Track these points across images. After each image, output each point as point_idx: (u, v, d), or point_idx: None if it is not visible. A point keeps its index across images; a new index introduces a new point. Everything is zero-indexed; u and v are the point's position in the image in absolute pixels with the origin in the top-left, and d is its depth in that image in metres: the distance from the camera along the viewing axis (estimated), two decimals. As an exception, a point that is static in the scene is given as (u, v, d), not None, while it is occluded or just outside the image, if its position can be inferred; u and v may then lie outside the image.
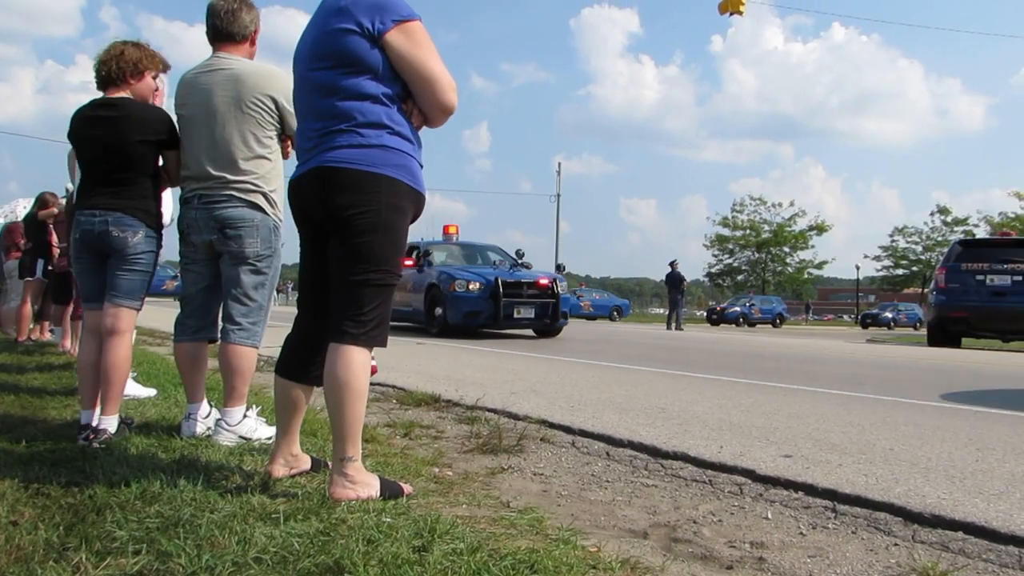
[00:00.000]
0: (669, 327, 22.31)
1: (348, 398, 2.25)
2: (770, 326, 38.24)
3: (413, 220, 2.43)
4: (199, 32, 3.41)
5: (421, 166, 2.42)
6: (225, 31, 3.29)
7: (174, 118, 3.35)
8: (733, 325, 35.91)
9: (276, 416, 2.58)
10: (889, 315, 43.70)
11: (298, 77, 2.46)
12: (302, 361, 2.50)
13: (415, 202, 2.39)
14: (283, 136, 3.32)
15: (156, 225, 3.36)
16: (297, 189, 2.42)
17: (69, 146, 3.65)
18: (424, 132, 2.48)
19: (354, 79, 2.29)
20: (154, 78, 3.47)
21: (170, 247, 3.58)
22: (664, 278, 23.85)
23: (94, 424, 3.16)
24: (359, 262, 2.28)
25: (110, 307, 3.26)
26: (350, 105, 2.29)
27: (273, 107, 3.22)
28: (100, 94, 3.39)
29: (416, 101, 2.38)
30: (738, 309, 38.59)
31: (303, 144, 2.42)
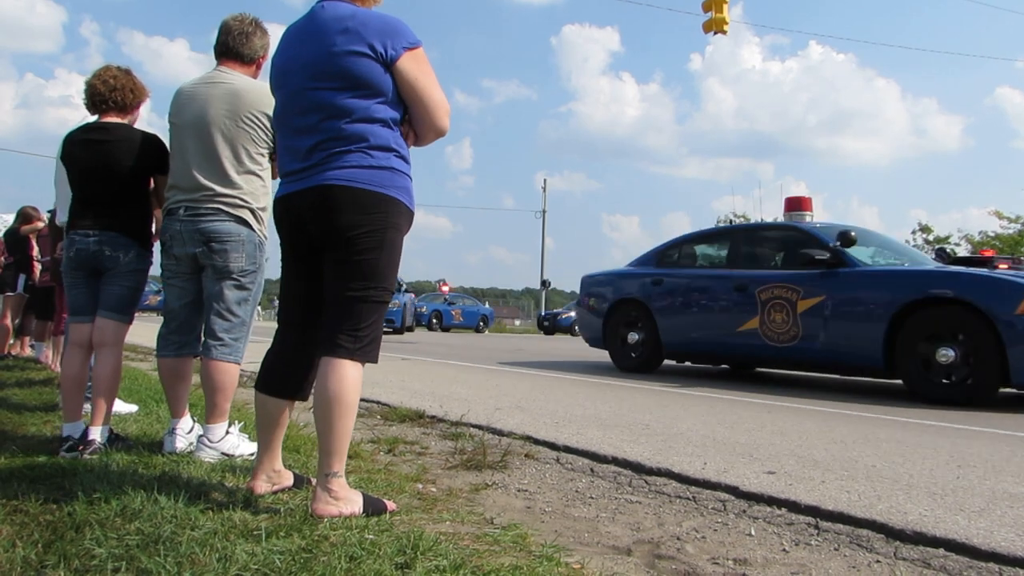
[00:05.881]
0: None
1: (339, 412, 2.23)
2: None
3: None
4: (180, 47, 3.50)
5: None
6: (235, 50, 3.32)
7: (166, 127, 3.38)
8: (568, 335, 30.57)
9: (257, 432, 2.55)
10: None
11: (290, 92, 2.40)
12: (284, 376, 2.49)
13: (409, 221, 2.44)
14: (274, 155, 3.32)
15: (148, 244, 3.46)
16: (289, 205, 2.39)
17: (52, 162, 3.77)
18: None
19: (365, 102, 2.30)
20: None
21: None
22: None
23: (77, 436, 3.20)
24: (360, 278, 2.29)
25: (100, 320, 3.35)
26: (361, 128, 2.30)
27: (268, 125, 3.22)
28: (87, 113, 3.51)
29: (412, 123, 2.42)
30: (573, 315, 32.52)
31: (291, 163, 2.39)
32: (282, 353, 2.51)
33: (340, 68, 2.29)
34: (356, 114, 2.30)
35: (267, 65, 3.36)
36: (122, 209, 3.38)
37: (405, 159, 2.40)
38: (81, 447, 3.13)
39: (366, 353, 2.31)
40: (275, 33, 2.58)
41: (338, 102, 2.30)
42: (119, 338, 3.38)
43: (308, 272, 2.44)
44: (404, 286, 18.79)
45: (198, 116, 3.20)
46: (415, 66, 2.34)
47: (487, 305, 39.07)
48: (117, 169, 3.34)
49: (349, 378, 2.25)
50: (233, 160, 3.18)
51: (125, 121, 3.49)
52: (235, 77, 3.28)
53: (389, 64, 2.31)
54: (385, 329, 13.27)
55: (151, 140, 3.43)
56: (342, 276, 2.31)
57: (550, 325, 33.76)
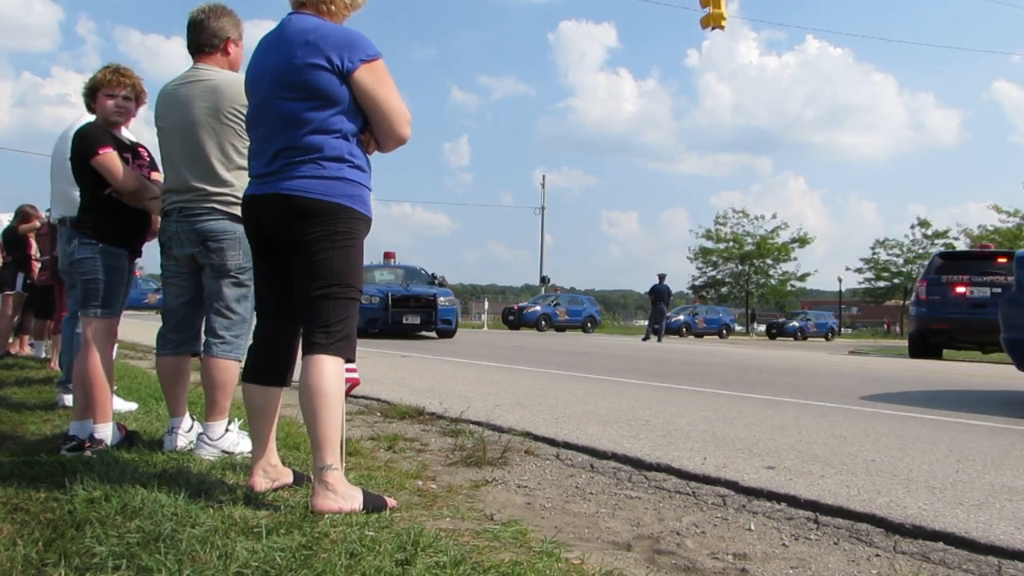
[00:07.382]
0: (647, 338, 22.21)
1: (322, 404, 2.29)
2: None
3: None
4: (177, 45, 3.52)
5: (370, 190, 2.53)
6: (194, 42, 3.33)
7: (154, 131, 3.38)
8: (534, 330, 31.41)
9: (250, 424, 2.59)
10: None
11: (259, 100, 2.50)
12: (268, 364, 2.56)
13: (366, 225, 2.52)
14: None
15: (94, 232, 3.42)
16: (254, 208, 2.50)
17: (45, 160, 4.01)
18: (406, 146, 2.60)
19: (321, 113, 2.38)
20: (111, 97, 3.53)
21: (153, 260, 3.63)
22: (650, 290, 23.59)
23: (83, 436, 3.20)
24: (320, 278, 2.38)
25: (81, 318, 3.46)
26: (316, 139, 2.38)
27: None
28: (83, 112, 3.73)
29: (373, 131, 2.50)
30: (539, 309, 33.92)
31: (259, 167, 2.49)
32: (263, 343, 2.59)
33: (301, 80, 2.38)
34: (312, 125, 2.38)
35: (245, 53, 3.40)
36: (77, 205, 3.51)
37: (360, 168, 2.47)
38: (88, 444, 3.15)
39: (339, 348, 2.38)
40: (267, 29, 2.59)
41: (297, 113, 2.39)
42: (97, 333, 3.35)
43: (276, 266, 2.52)
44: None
45: (182, 117, 3.19)
46: (372, 78, 2.41)
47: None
48: (74, 166, 3.49)
49: (327, 370, 2.33)
50: (221, 158, 3.18)
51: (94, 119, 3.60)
52: (213, 73, 3.26)
53: (345, 76, 2.38)
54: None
55: (78, 132, 3.51)
56: (304, 277, 2.41)
57: (515, 320, 33.34)
